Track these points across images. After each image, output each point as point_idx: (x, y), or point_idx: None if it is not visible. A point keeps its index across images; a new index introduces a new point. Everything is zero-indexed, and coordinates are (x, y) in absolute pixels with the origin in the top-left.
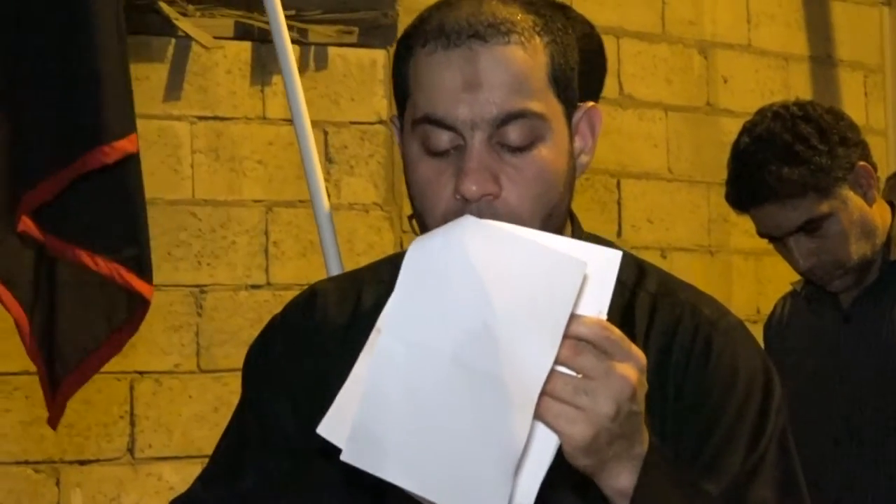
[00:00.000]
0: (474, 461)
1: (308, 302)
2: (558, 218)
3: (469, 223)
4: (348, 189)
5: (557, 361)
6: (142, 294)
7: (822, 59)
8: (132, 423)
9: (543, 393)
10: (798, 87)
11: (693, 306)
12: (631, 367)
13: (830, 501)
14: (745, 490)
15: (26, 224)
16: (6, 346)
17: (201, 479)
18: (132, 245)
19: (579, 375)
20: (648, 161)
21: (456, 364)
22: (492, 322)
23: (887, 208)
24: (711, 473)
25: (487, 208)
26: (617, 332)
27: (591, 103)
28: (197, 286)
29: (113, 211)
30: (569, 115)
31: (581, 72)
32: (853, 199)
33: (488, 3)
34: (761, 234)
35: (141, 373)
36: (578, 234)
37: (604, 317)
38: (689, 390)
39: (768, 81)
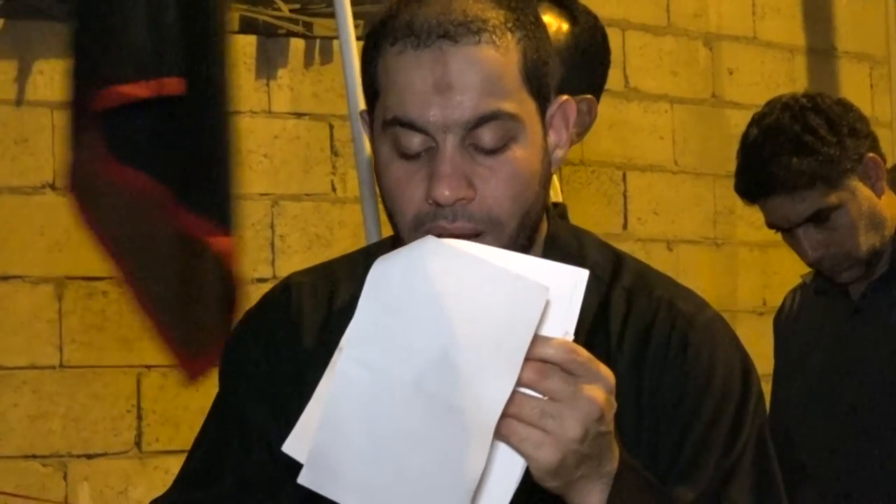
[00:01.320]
0: (431, 490)
1: (282, 297)
2: (535, 215)
3: (431, 245)
4: (354, 182)
5: (524, 384)
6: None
7: (828, 51)
8: (139, 417)
9: (510, 416)
10: (803, 78)
11: (669, 302)
12: (599, 388)
13: (840, 493)
14: (720, 495)
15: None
16: (14, 341)
17: (180, 481)
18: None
19: (546, 398)
20: (654, 153)
21: (415, 390)
22: (452, 348)
23: None
24: (687, 477)
25: (462, 211)
26: (584, 353)
27: (564, 97)
28: None
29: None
30: (542, 111)
31: (585, 65)
32: (862, 190)
33: None
34: (770, 225)
35: (148, 367)
36: (554, 228)
37: (570, 337)
38: (666, 389)
39: (773, 73)
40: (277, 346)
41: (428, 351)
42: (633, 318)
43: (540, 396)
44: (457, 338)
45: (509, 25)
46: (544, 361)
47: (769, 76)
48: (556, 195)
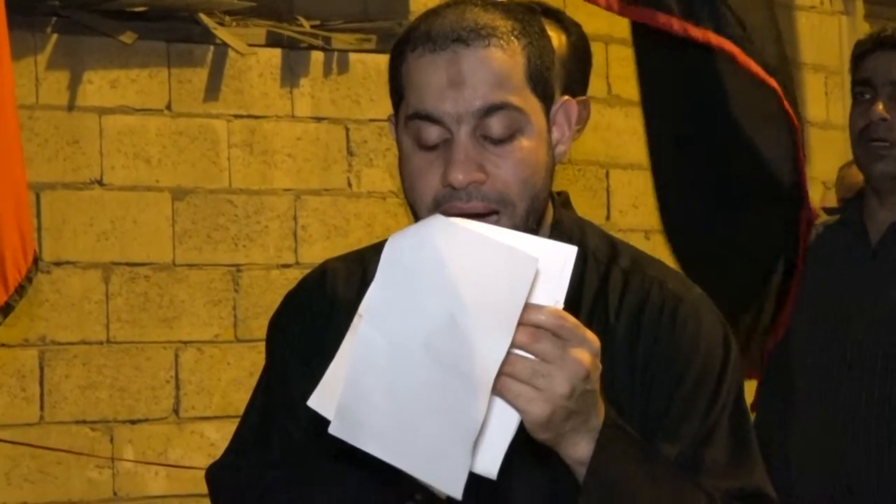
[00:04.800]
0: (440, 436)
1: (320, 279)
2: (542, 200)
3: (438, 222)
4: (368, 179)
5: (518, 346)
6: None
7: (790, 62)
8: (177, 387)
9: (505, 374)
10: None
11: (661, 281)
12: (585, 351)
13: (838, 423)
14: (699, 453)
15: None
16: (66, 320)
17: (234, 447)
18: None
19: (538, 359)
20: (634, 153)
21: (426, 350)
22: (457, 312)
23: None
24: (672, 435)
25: (476, 192)
26: (572, 319)
27: (566, 97)
28: (234, 265)
29: None
30: (547, 110)
31: (580, 69)
32: None
33: (471, 11)
34: (861, 82)
35: (185, 342)
36: (559, 216)
37: (560, 306)
38: (657, 359)
39: None
40: (316, 323)
41: (436, 315)
42: (628, 294)
43: (533, 357)
44: (460, 304)
45: (516, 33)
46: (537, 327)
47: None
48: None
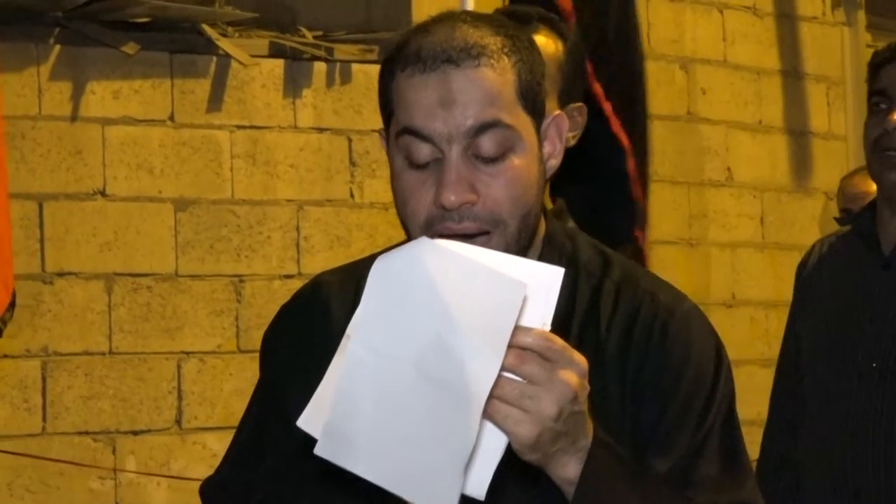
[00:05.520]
0: (431, 458)
1: (313, 293)
2: (534, 217)
3: (426, 245)
4: (370, 189)
5: (506, 369)
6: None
7: (790, 73)
8: (180, 398)
9: (493, 397)
10: (769, 97)
11: (653, 294)
12: (572, 372)
13: (846, 431)
14: (690, 467)
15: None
16: (69, 330)
17: (229, 461)
18: None
19: (525, 381)
20: None
21: (416, 371)
22: (446, 334)
23: None
24: (663, 450)
25: (468, 213)
26: (559, 341)
27: (557, 111)
28: (237, 276)
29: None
30: (538, 126)
31: (577, 75)
32: None
33: (460, 28)
34: (877, 93)
35: (187, 353)
36: (551, 229)
37: (548, 328)
38: (648, 372)
39: (742, 93)
40: (310, 336)
41: (425, 336)
42: (620, 308)
43: (520, 380)
44: (450, 325)
45: (505, 50)
46: (524, 349)
47: (738, 95)
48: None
